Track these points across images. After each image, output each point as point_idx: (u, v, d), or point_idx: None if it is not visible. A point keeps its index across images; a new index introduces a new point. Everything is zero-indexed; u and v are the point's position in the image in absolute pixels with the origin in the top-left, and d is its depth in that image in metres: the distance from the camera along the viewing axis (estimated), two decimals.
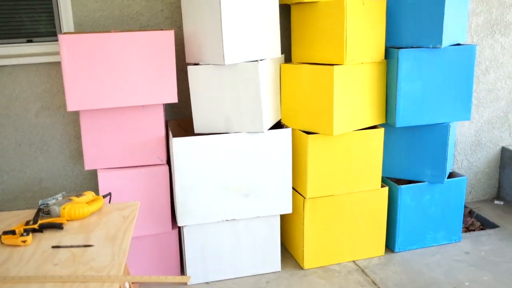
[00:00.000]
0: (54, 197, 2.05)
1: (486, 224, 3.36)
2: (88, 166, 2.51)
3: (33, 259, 1.63)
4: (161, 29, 2.54)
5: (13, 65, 2.68)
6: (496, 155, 3.63)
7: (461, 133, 3.49)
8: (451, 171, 3.09)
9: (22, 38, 2.75)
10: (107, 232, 1.83)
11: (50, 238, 1.79)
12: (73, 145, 2.85)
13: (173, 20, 2.83)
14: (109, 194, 2.29)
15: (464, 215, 3.50)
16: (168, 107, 2.94)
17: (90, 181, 2.91)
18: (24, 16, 2.75)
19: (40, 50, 2.74)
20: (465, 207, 3.58)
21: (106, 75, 2.33)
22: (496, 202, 3.66)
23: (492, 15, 3.33)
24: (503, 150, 3.62)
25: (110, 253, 1.66)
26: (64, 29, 2.68)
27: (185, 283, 2.64)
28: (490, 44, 3.37)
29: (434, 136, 2.79)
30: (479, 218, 3.44)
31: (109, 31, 2.47)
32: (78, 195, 2.07)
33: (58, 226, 1.86)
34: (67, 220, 1.94)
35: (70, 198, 2.04)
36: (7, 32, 2.75)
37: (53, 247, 1.71)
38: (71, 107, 2.31)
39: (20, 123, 2.78)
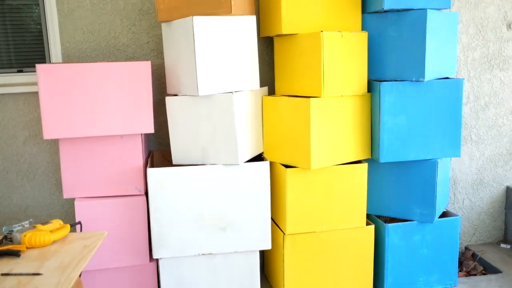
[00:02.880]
0: (20, 224, 2.07)
1: (489, 269, 3.20)
2: (67, 194, 2.54)
3: None
4: (146, 60, 2.59)
5: (3, 94, 2.78)
6: (501, 195, 3.48)
7: (461, 171, 3.38)
8: (445, 210, 2.98)
9: (13, 68, 2.87)
10: (61, 261, 1.83)
11: (4, 265, 1.80)
12: (60, 173, 2.90)
13: (158, 52, 2.89)
14: (79, 222, 2.31)
15: (466, 258, 3.35)
16: (153, 138, 2.98)
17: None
18: (15, 47, 2.87)
19: (30, 80, 2.83)
20: (468, 249, 3.43)
21: (83, 104, 2.39)
22: (502, 245, 3.48)
23: (489, 50, 3.26)
24: (508, 190, 3.47)
25: (55, 283, 1.65)
26: (53, 60, 2.78)
27: None
28: (488, 79, 3.29)
29: (422, 173, 2.71)
30: (482, 262, 3.28)
31: (95, 62, 2.54)
32: (44, 223, 2.09)
33: (15, 254, 1.88)
34: (27, 248, 1.95)
35: (35, 225, 2.06)
36: None
37: (2, 274, 1.72)
38: (47, 135, 2.37)
39: (8, 151, 2.85)
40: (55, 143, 2.88)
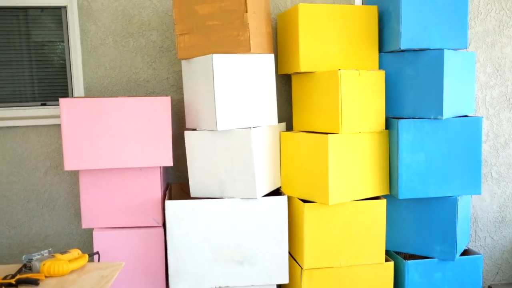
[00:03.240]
0: (39, 252, 2.09)
1: None
2: (86, 224, 2.57)
3: None
4: (166, 95, 2.65)
5: (27, 126, 2.86)
6: None
7: (482, 209, 3.33)
8: (466, 248, 2.92)
9: (37, 101, 2.96)
10: None
11: None
12: (79, 203, 2.94)
13: (178, 87, 2.96)
14: (97, 253, 2.32)
15: None
16: (172, 170, 3.01)
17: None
18: (40, 81, 2.96)
19: (53, 113, 2.91)
20: None
21: (104, 137, 2.44)
22: None
23: (507, 88, 3.25)
24: None
25: None
26: (75, 94, 2.86)
27: None
28: (507, 117, 3.27)
29: (442, 210, 2.68)
30: None
31: (116, 97, 2.61)
32: (63, 252, 2.11)
33: (34, 282, 1.89)
34: (46, 277, 1.97)
35: (54, 254, 2.08)
36: (23, 96, 2.97)
37: None
38: (68, 166, 2.42)
39: (30, 181, 2.92)
40: (75, 174, 2.93)
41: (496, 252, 3.38)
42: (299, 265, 2.63)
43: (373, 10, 2.68)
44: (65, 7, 2.88)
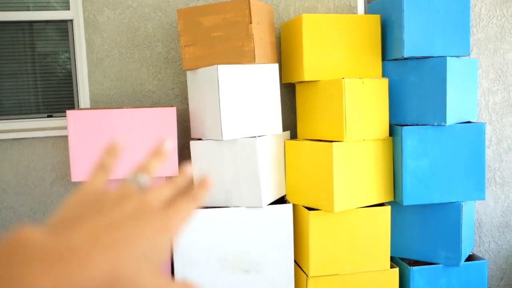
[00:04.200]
0: None
1: None
2: None
3: None
4: (171, 106, 2.68)
5: (33, 138, 2.88)
6: None
7: (486, 213, 3.33)
8: (471, 253, 2.93)
9: (43, 113, 2.98)
10: None
11: None
12: None
13: (183, 97, 2.98)
14: None
15: None
16: None
17: None
18: (45, 93, 2.99)
19: (59, 124, 2.93)
20: None
21: None
22: None
23: (510, 94, 3.27)
24: None
25: None
26: (81, 105, 2.88)
27: None
28: (510, 122, 3.29)
29: (446, 216, 2.69)
30: None
31: (121, 108, 2.64)
32: None
33: None
34: None
35: None
36: (29, 108, 2.99)
37: None
38: (75, 177, 2.43)
39: (36, 192, 2.93)
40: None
41: (501, 257, 3.39)
42: (305, 273, 2.64)
43: (376, 19, 2.70)
44: (71, 20, 2.91)
